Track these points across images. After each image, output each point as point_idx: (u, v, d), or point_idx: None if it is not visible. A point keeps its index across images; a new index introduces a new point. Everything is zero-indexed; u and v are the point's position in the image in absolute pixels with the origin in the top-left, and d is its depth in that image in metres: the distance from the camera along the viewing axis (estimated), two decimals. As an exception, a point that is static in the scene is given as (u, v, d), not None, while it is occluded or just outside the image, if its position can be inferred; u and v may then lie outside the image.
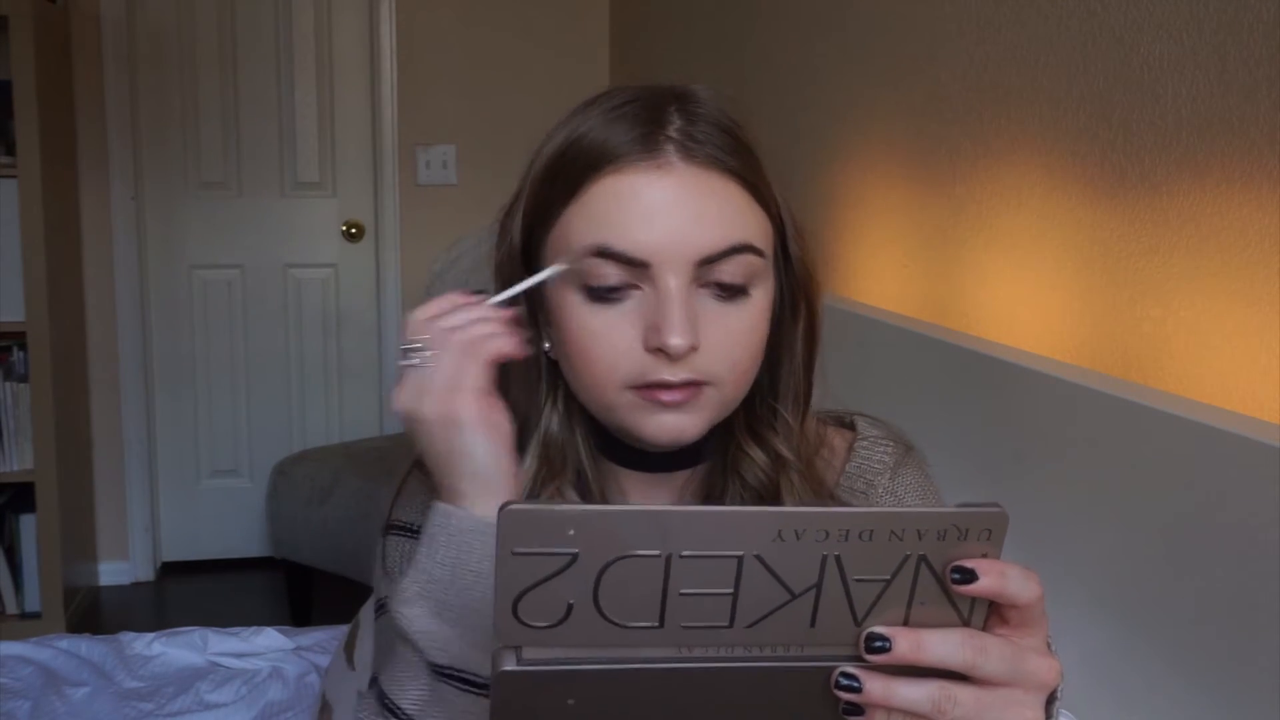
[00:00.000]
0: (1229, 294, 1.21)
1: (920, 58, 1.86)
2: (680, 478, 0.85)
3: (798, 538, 0.50)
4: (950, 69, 1.76)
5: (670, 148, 0.75)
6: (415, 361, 0.72)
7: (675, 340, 0.72)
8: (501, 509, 0.49)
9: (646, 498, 0.85)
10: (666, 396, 0.75)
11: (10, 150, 2.94)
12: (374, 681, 0.77)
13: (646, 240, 0.73)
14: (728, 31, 2.73)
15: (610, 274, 0.74)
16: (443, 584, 0.71)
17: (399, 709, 0.73)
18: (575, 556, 0.49)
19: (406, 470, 0.90)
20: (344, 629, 1.77)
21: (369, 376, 3.72)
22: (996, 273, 1.66)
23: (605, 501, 0.83)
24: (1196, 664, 1.13)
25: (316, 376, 3.70)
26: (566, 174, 0.77)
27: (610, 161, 0.75)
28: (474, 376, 0.72)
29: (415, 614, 0.72)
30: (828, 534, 0.50)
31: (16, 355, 3.02)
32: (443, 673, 0.71)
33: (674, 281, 0.73)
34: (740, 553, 0.50)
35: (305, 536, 3.06)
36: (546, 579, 0.50)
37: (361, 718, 0.75)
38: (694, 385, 0.75)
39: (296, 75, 3.58)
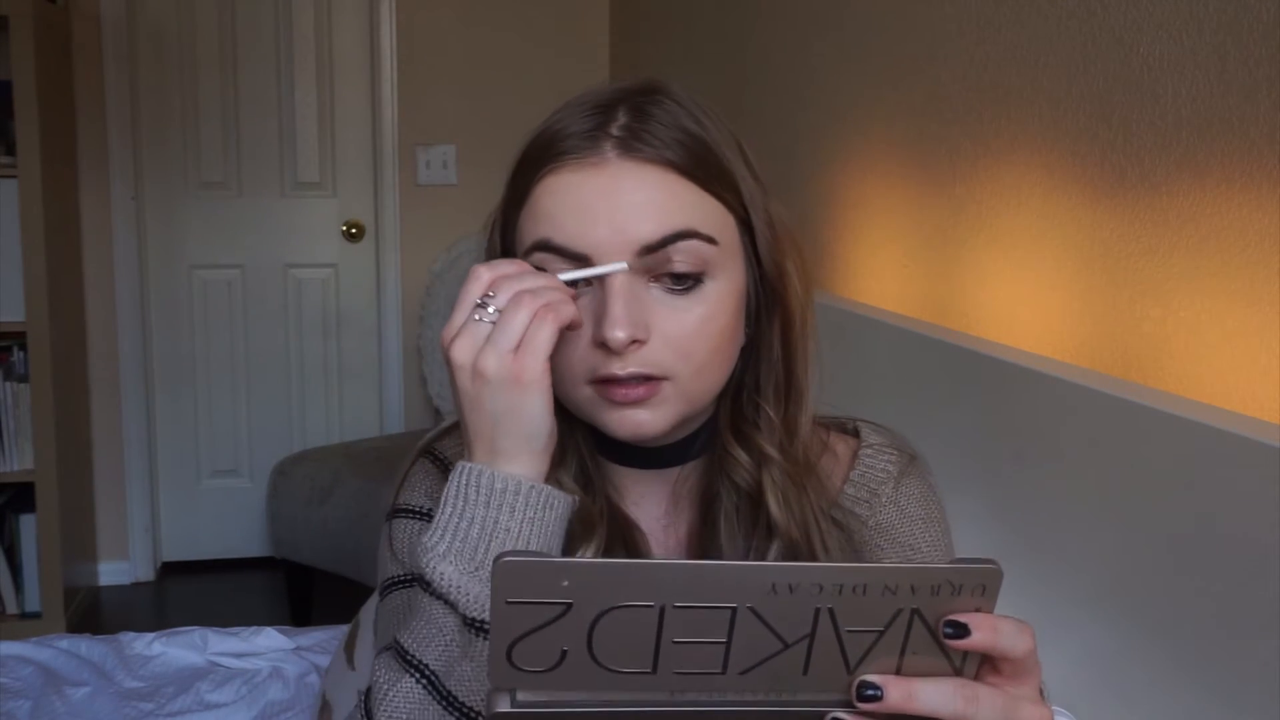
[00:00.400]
0: (1229, 294, 1.21)
1: (920, 58, 1.86)
2: (673, 474, 0.85)
3: (791, 591, 0.50)
4: (950, 69, 1.76)
5: (608, 145, 0.76)
6: (483, 316, 0.72)
7: (614, 333, 0.73)
8: (497, 560, 0.49)
9: (641, 493, 0.86)
10: (619, 394, 0.75)
11: (10, 150, 2.94)
12: (388, 646, 0.77)
13: (584, 234, 0.75)
14: (728, 31, 2.73)
15: (559, 269, 0.76)
16: (473, 543, 0.72)
17: (424, 665, 0.73)
18: (569, 606, 0.50)
19: (413, 457, 0.92)
20: (344, 629, 1.77)
21: (369, 376, 3.72)
22: (996, 273, 1.65)
23: (605, 495, 0.84)
24: (1196, 663, 1.13)
25: (316, 376, 3.70)
26: (521, 174, 0.79)
27: (552, 161, 0.77)
28: (545, 340, 0.71)
29: (447, 571, 0.72)
30: (821, 588, 0.50)
31: (16, 355, 3.02)
32: (478, 626, 0.72)
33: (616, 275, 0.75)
34: (734, 604, 0.50)
35: (305, 536, 3.06)
36: (541, 627, 0.50)
37: (381, 675, 0.75)
38: (649, 381, 0.75)
39: (296, 75, 3.58)
